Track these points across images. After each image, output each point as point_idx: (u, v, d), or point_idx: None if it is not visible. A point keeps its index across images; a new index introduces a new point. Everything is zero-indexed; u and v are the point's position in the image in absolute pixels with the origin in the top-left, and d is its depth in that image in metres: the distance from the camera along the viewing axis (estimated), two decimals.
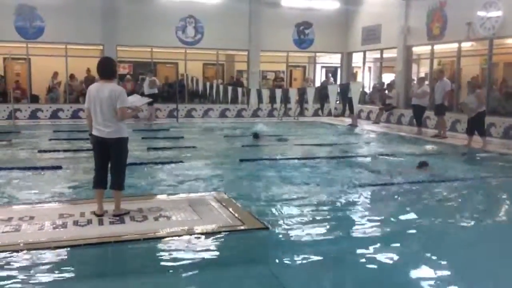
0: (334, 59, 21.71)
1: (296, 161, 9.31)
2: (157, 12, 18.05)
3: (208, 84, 16.49)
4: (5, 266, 3.91)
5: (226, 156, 9.69)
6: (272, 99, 12.01)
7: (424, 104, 14.16)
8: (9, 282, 3.63)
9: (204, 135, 13.44)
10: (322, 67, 22.92)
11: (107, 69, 5.30)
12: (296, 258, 4.31)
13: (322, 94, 10.80)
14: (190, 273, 3.93)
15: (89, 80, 16.99)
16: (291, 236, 4.90)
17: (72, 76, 18.04)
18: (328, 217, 5.61)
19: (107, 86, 5.17)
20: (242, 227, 5.04)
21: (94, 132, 5.24)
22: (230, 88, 14.88)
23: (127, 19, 17.59)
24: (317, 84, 20.88)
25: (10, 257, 4.08)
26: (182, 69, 19.72)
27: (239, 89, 14.40)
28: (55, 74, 18.11)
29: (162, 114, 18.45)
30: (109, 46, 17.34)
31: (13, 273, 3.79)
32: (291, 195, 6.51)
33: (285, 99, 11.37)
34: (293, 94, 11.37)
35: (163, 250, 4.38)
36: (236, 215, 5.41)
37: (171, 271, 3.95)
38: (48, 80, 18.15)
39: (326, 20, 20.13)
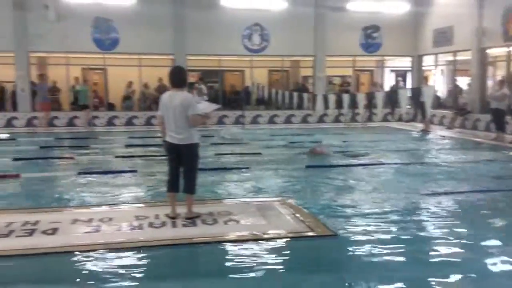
0: (403, 63, 21.12)
1: (365, 167, 9.15)
2: (224, 21, 18.47)
3: (273, 90, 16.60)
4: (86, 265, 4.16)
5: (292, 162, 9.71)
6: (339, 105, 11.89)
7: (503, 108, 13.39)
8: (89, 280, 3.86)
9: (270, 141, 13.53)
10: (391, 70, 22.37)
11: (178, 78, 5.50)
12: (366, 266, 4.24)
13: (392, 99, 10.55)
14: (258, 277, 3.97)
15: (161, 89, 17.70)
16: (361, 244, 4.81)
17: (146, 85, 18.85)
18: (400, 225, 5.45)
19: (179, 94, 5.37)
20: (311, 234, 5.04)
21: (167, 139, 5.45)
22: (295, 94, 14.90)
23: (196, 29, 18.16)
24: (386, 88, 20.38)
25: (91, 256, 4.34)
26: (248, 76, 20.02)
27: (305, 95, 14.38)
28: (130, 83, 19.01)
29: (229, 121, 18.80)
30: (179, 56, 17.97)
31: (93, 271, 4.02)
32: (360, 202, 6.40)
33: (353, 104, 11.21)
34: (361, 99, 11.19)
35: (232, 253, 4.47)
36: (304, 221, 5.41)
37: (239, 274, 4.02)
38: (123, 89, 19.10)
39: (395, 23, 19.65)
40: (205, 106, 5.96)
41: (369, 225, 5.39)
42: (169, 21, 18.03)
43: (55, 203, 6.40)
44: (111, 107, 18.94)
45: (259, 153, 10.83)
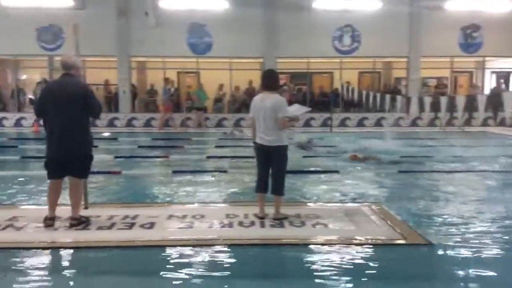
0: (506, 64, 19.62)
1: (461, 173, 8.62)
2: (314, 23, 18.43)
3: (364, 92, 16.22)
4: (180, 259, 4.35)
5: (383, 166, 9.41)
6: (434, 108, 11.32)
7: None
8: (182, 273, 4.03)
9: (359, 144, 13.23)
10: (492, 72, 20.88)
11: (271, 80, 5.57)
12: (461, 279, 3.99)
13: (494, 102, 9.83)
14: (345, 282, 3.89)
15: (251, 91, 18.09)
16: (457, 254, 4.54)
17: (237, 88, 19.35)
18: (499, 236, 5.06)
19: (270, 97, 5.44)
20: (402, 241, 4.85)
21: (257, 140, 5.54)
22: (387, 96, 14.43)
23: (286, 32, 18.30)
24: (486, 91, 19.07)
25: (184, 251, 4.53)
26: (337, 79, 19.77)
27: (398, 97, 13.88)
28: (221, 86, 19.62)
29: (316, 123, 18.69)
30: (269, 59, 18.23)
31: (185, 265, 4.19)
32: (456, 210, 6.04)
33: (451, 108, 10.61)
34: (461, 102, 10.56)
35: (320, 257, 4.42)
36: (395, 228, 5.22)
37: (326, 278, 3.96)
38: (214, 92, 19.77)
39: (497, 21, 18.37)
40: (295, 109, 5.96)
41: (464, 235, 5.07)
42: (260, 25, 18.36)
43: (152, 199, 6.78)
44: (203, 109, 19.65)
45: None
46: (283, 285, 3.89)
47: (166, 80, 18.05)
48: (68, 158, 5.15)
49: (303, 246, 4.70)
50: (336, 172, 8.67)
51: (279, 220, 5.40)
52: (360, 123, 18.80)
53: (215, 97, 19.81)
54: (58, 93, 5.07)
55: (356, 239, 4.87)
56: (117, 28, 18.24)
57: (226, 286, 3.80)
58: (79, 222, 5.23)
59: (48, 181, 5.31)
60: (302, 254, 4.53)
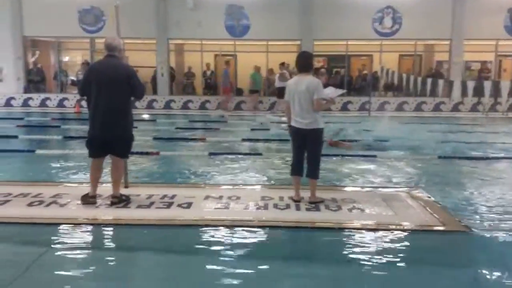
0: None
1: (504, 161, 8.34)
2: (353, 4, 18.06)
3: (404, 76, 15.83)
4: (216, 239, 4.41)
5: (422, 152, 9.21)
6: (478, 92, 10.93)
7: None
8: (217, 253, 4.10)
9: (398, 128, 12.97)
10: None
11: (304, 62, 5.52)
12: (502, 265, 3.88)
13: None
14: (381, 267, 3.86)
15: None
16: (498, 242, 4.42)
17: (271, 71, 19.25)
18: None
19: (304, 79, 5.39)
20: (441, 228, 4.75)
21: (293, 123, 5.51)
22: (428, 80, 14.04)
23: (324, 13, 18.00)
24: None
25: (220, 231, 4.59)
26: (376, 61, 19.36)
27: (439, 81, 13.48)
28: (257, 69, 19.52)
29: (354, 107, 18.42)
30: (306, 41, 18.01)
31: (221, 245, 4.26)
32: (498, 198, 5.86)
33: (495, 93, 10.22)
34: (505, 87, 10.16)
35: (356, 242, 4.39)
36: (435, 214, 5.12)
37: (361, 263, 3.93)
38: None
39: None
40: (330, 91, 5.89)
41: (506, 222, 4.93)
42: (297, 6, 18.14)
43: (189, 179, 6.89)
44: (239, 92, 19.70)
45: (386, 140, 10.46)
46: (317, 269, 3.89)
47: (226, 63, 18.08)
48: (111, 138, 5.27)
49: (339, 230, 4.67)
50: (373, 156, 8.55)
51: (315, 204, 5.39)
52: (400, 108, 18.39)
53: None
54: (102, 74, 5.16)
55: (393, 224, 4.80)
56: (156, 10, 18.41)
57: (260, 267, 3.84)
58: (119, 200, 5.38)
59: (90, 159, 5.47)
60: (337, 239, 4.51)
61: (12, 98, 18.98)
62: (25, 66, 19.39)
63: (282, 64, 17.51)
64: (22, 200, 5.43)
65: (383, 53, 19.01)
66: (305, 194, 5.53)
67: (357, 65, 20.58)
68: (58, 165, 7.57)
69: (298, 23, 18.22)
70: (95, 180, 5.41)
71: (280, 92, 17.24)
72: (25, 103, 18.94)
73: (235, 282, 3.57)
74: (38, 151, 8.73)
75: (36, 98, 18.96)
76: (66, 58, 21.20)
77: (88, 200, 5.34)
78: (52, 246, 4.19)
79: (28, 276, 3.59)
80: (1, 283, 3.44)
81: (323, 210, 5.24)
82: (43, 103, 18.76)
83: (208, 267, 3.83)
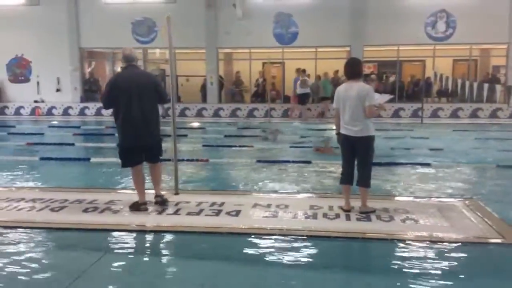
0: None
1: None
2: (405, 9, 17.65)
3: (458, 81, 15.25)
4: (264, 248, 4.38)
5: (479, 160, 8.82)
6: None
7: None
8: (265, 262, 4.07)
9: (452, 136, 12.50)
10: None
11: (354, 69, 5.42)
12: None
13: None
14: (434, 281, 3.68)
15: (336, 81, 17.75)
16: None
17: (319, 78, 19.08)
18: None
19: (355, 86, 5.29)
20: (500, 240, 4.51)
21: (342, 131, 5.41)
22: (485, 86, 13.45)
23: (374, 18, 17.70)
24: None
25: (269, 240, 4.56)
26: (429, 67, 18.79)
27: (497, 87, 12.89)
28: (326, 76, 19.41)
29: (406, 114, 17.95)
30: (356, 47, 17.76)
31: (269, 254, 4.22)
32: None
33: None
34: None
35: (409, 254, 4.24)
36: (493, 226, 4.86)
37: (415, 276, 3.77)
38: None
39: None
40: (378, 97, 5.75)
41: None
42: (347, 12, 17.94)
43: (237, 187, 6.91)
44: (287, 99, 19.65)
45: (441, 149, 10.09)
46: (366, 280, 3.78)
47: (298, 70, 18.15)
48: (148, 144, 5.47)
49: (391, 241, 4.53)
50: (427, 165, 8.27)
51: (366, 214, 5.25)
52: (454, 114, 17.74)
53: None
54: (132, 84, 5.28)
55: (449, 236, 4.60)
56: (205, 20, 18.74)
57: (308, 278, 3.78)
58: (163, 200, 5.55)
59: (129, 169, 5.59)
60: (389, 250, 4.37)
61: (70, 107, 19.86)
62: (81, 76, 20.23)
63: (303, 70, 17.51)
64: (78, 206, 5.63)
65: (436, 58, 18.42)
66: (356, 203, 5.40)
67: (409, 70, 20.05)
68: (113, 172, 7.80)
69: (347, 29, 18.00)
70: (142, 186, 5.55)
71: (302, 99, 17.16)
72: (82, 112, 19.76)
73: None
74: (93, 159, 9.04)
75: (92, 107, 19.73)
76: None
77: (140, 207, 5.46)
78: (106, 252, 4.30)
79: (82, 282, 3.69)
80: None
81: (375, 220, 5.10)
82: (98, 112, 19.48)
83: (257, 276, 3.81)
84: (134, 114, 5.28)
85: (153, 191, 5.70)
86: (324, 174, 7.69)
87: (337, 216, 5.23)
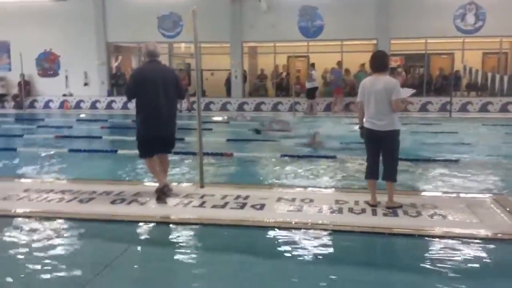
0: None
1: None
2: (433, 1, 17.28)
3: (489, 75, 14.87)
4: (289, 242, 4.37)
5: (509, 155, 8.59)
6: None
7: None
8: (290, 256, 4.05)
9: (481, 130, 12.22)
10: None
11: (380, 62, 5.33)
12: None
13: None
14: (462, 279, 3.60)
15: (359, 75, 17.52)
16: None
17: (347, 71, 18.88)
18: None
19: (381, 79, 5.21)
20: None
21: (367, 125, 5.32)
22: None
23: (402, 10, 17.41)
24: None
25: (294, 234, 4.54)
26: (458, 60, 18.39)
27: None
28: (331, 70, 19.25)
29: (433, 108, 17.62)
30: (383, 40, 17.50)
31: (294, 248, 4.21)
32: None
33: None
34: None
35: (436, 250, 4.17)
36: None
37: (440, 273, 3.70)
38: (323, 76, 19.48)
39: None
40: (401, 91, 5.67)
41: None
42: (373, 4, 17.69)
43: (262, 181, 6.91)
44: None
45: (468, 143, 9.88)
46: (392, 276, 3.73)
47: (339, 63, 18.00)
48: (167, 135, 5.73)
49: (418, 237, 4.46)
50: (456, 161, 8.10)
51: (393, 209, 5.18)
52: (484, 108, 17.31)
53: (324, 81, 19.53)
54: (158, 77, 5.51)
55: (478, 233, 4.50)
56: (230, 14, 18.74)
57: (333, 272, 3.75)
58: (169, 189, 5.74)
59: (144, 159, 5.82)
60: (416, 246, 4.32)
61: (97, 101, 20.18)
62: (108, 70, 20.52)
63: (311, 65, 17.58)
64: (106, 198, 5.72)
65: (465, 51, 18.00)
66: (382, 198, 5.33)
67: (437, 64, 19.66)
68: (139, 165, 7.90)
69: (374, 22, 17.73)
70: (160, 173, 5.76)
71: (310, 93, 17.16)
72: (109, 106, 20.06)
73: (306, 285, 3.51)
74: (120, 151, 9.17)
75: (119, 101, 20.00)
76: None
77: (163, 190, 5.63)
78: (133, 243, 4.37)
79: (109, 273, 3.75)
80: (85, 278, 3.62)
81: (402, 215, 5.02)
82: (125, 106, 19.72)
83: (281, 269, 3.81)
84: (158, 106, 5.50)
85: (149, 183, 6.06)
86: (350, 169, 7.63)
87: (363, 211, 5.18)
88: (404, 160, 7.33)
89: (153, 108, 5.50)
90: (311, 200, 5.56)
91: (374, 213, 5.11)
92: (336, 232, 4.56)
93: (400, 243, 4.47)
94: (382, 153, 5.32)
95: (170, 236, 4.63)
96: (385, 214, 5.06)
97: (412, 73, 19.30)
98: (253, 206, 5.34)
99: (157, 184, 5.80)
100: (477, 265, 3.86)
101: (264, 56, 20.71)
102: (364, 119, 5.35)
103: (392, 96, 5.10)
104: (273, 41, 19.00)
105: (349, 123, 12.94)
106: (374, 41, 18.01)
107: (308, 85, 17.34)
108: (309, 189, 6.23)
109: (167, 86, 5.53)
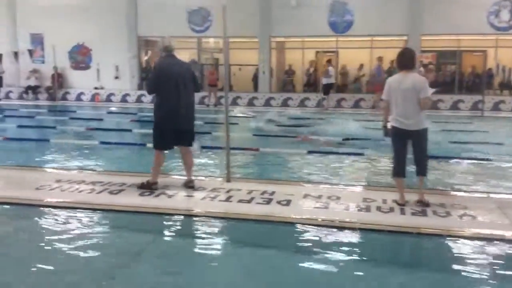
0: None
1: None
2: None
3: None
4: (314, 238, 4.37)
5: None
6: None
7: None
8: (315, 253, 4.05)
9: None
10: None
11: (408, 60, 5.27)
12: None
13: None
14: (491, 282, 3.53)
15: (392, 71, 17.23)
16: None
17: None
18: None
19: (409, 77, 5.15)
20: None
21: (395, 124, 5.24)
22: None
23: (433, 6, 17.05)
24: None
25: (320, 231, 4.54)
26: (491, 58, 17.91)
27: None
28: (361, 66, 19.05)
29: (465, 106, 17.23)
30: (413, 36, 17.20)
31: (320, 245, 4.21)
32: None
33: None
34: None
35: (464, 251, 4.10)
36: None
37: (468, 275, 3.64)
38: (353, 72, 19.29)
39: None
40: (429, 89, 5.58)
41: None
42: (404, 0, 17.36)
43: (288, 177, 6.91)
44: (339, 89, 19.37)
45: (501, 143, 9.63)
46: (420, 276, 3.69)
47: (380, 58, 17.85)
48: (186, 128, 5.86)
49: (447, 237, 4.39)
50: (487, 159, 7.92)
51: (422, 207, 5.13)
52: None
53: (353, 77, 19.35)
54: (177, 71, 5.67)
55: (509, 234, 4.41)
56: (260, 9, 18.71)
57: (359, 270, 3.74)
58: (194, 186, 5.88)
59: (157, 151, 5.92)
60: (444, 246, 4.26)
61: (127, 94, 20.50)
62: (139, 64, 20.80)
63: (328, 61, 17.65)
64: (135, 190, 5.83)
65: (499, 48, 17.51)
66: (410, 197, 5.27)
67: (469, 61, 19.19)
68: (168, 158, 7.99)
69: (405, 18, 17.42)
70: (159, 169, 5.95)
71: (326, 89, 17.25)
72: (139, 99, 20.35)
73: (331, 283, 3.51)
74: (149, 145, 9.28)
75: (148, 95, 20.23)
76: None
77: (152, 186, 5.79)
78: (160, 235, 4.45)
79: (138, 262, 3.84)
80: (114, 268, 3.71)
81: (430, 215, 4.96)
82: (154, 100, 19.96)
83: (306, 266, 3.81)
84: (178, 99, 5.66)
85: (177, 176, 6.22)
86: (377, 167, 7.55)
87: (391, 209, 5.13)
88: (434, 158, 7.22)
89: (173, 101, 5.65)
90: (338, 198, 5.54)
91: (403, 212, 5.06)
92: (363, 231, 4.53)
93: (428, 243, 4.42)
94: (413, 151, 5.27)
95: (197, 229, 4.69)
96: (413, 214, 5.00)
97: (443, 70, 18.87)
98: (279, 202, 5.36)
99: (183, 178, 5.97)
100: (506, 267, 3.78)
101: (292, 51, 20.61)
102: (391, 118, 5.29)
103: (420, 94, 5.06)
104: (302, 36, 18.88)
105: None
106: (405, 37, 17.71)
107: (324, 81, 17.42)
108: (336, 186, 6.20)
109: (184, 80, 5.70)
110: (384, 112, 5.47)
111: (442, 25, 16.98)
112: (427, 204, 5.17)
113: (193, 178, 6.01)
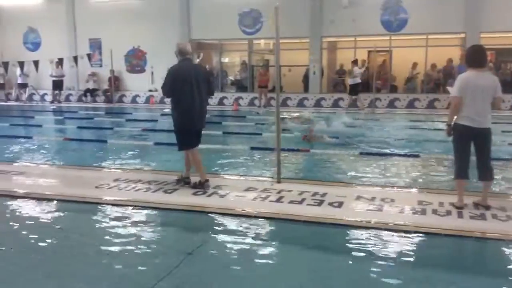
0: None
1: None
2: None
3: None
4: (368, 242, 4.29)
5: None
6: None
7: None
8: (368, 256, 3.98)
9: None
10: None
11: (482, 57, 5.13)
12: None
13: None
14: None
15: (448, 70, 16.67)
16: None
17: (433, 66, 18.01)
18: None
19: (485, 75, 5.03)
20: None
21: (464, 122, 5.01)
22: None
23: (492, 2, 16.29)
24: None
25: (373, 234, 4.45)
26: None
27: None
28: (414, 65, 18.51)
29: (505, 106, 16.27)
30: (472, 33, 16.50)
31: (374, 249, 4.13)
32: None
33: None
34: None
35: None
36: None
37: None
38: (406, 71, 18.78)
39: None
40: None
41: None
42: None
43: (340, 178, 6.82)
44: (393, 89, 18.92)
45: None
46: (478, 282, 3.54)
47: (462, 56, 17.43)
48: (200, 129, 6.13)
49: (508, 242, 4.19)
50: None
51: (481, 210, 4.93)
52: None
53: (407, 76, 18.83)
54: (194, 74, 5.90)
55: None
56: (310, 9, 18.60)
57: (414, 275, 3.64)
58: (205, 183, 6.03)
59: (186, 152, 6.14)
60: (504, 251, 4.06)
61: None
62: None
63: (353, 61, 17.34)
64: (188, 190, 5.96)
65: None
66: (468, 201, 5.07)
67: None
68: (220, 158, 8.12)
69: (462, 14, 16.76)
70: (201, 165, 6.14)
71: (353, 89, 16.95)
72: None
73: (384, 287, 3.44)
74: (201, 146, 9.45)
75: None
76: (226, 59, 22.65)
77: (204, 185, 5.95)
78: (212, 234, 4.51)
79: (192, 260, 3.91)
80: (169, 265, 3.80)
81: (490, 219, 4.75)
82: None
83: (359, 270, 3.75)
84: (194, 101, 5.87)
85: (228, 176, 6.35)
86: (433, 168, 7.31)
87: (448, 213, 4.95)
88: (495, 160, 6.90)
89: (189, 103, 5.85)
90: (392, 200, 5.41)
91: (460, 215, 4.87)
92: (419, 234, 4.41)
93: (487, 247, 4.25)
94: (478, 152, 5.09)
95: (248, 229, 4.71)
96: (472, 217, 4.81)
97: (503, 69, 17.99)
98: (330, 204, 5.30)
99: (233, 178, 5.95)
100: None
101: (344, 51, 20.33)
102: (459, 116, 5.06)
103: (496, 93, 4.98)
104: (354, 35, 18.58)
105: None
106: (462, 35, 17.04)
107: (350, 81, 17.22)
108: (390, 188, 6.06)
109: (199, 83, 5.91)
110: (454, 109, 5.13)
111: (502, 21, 16.20)
112: (487, 207, 4.96)
113: (206, 177, 6.10)
